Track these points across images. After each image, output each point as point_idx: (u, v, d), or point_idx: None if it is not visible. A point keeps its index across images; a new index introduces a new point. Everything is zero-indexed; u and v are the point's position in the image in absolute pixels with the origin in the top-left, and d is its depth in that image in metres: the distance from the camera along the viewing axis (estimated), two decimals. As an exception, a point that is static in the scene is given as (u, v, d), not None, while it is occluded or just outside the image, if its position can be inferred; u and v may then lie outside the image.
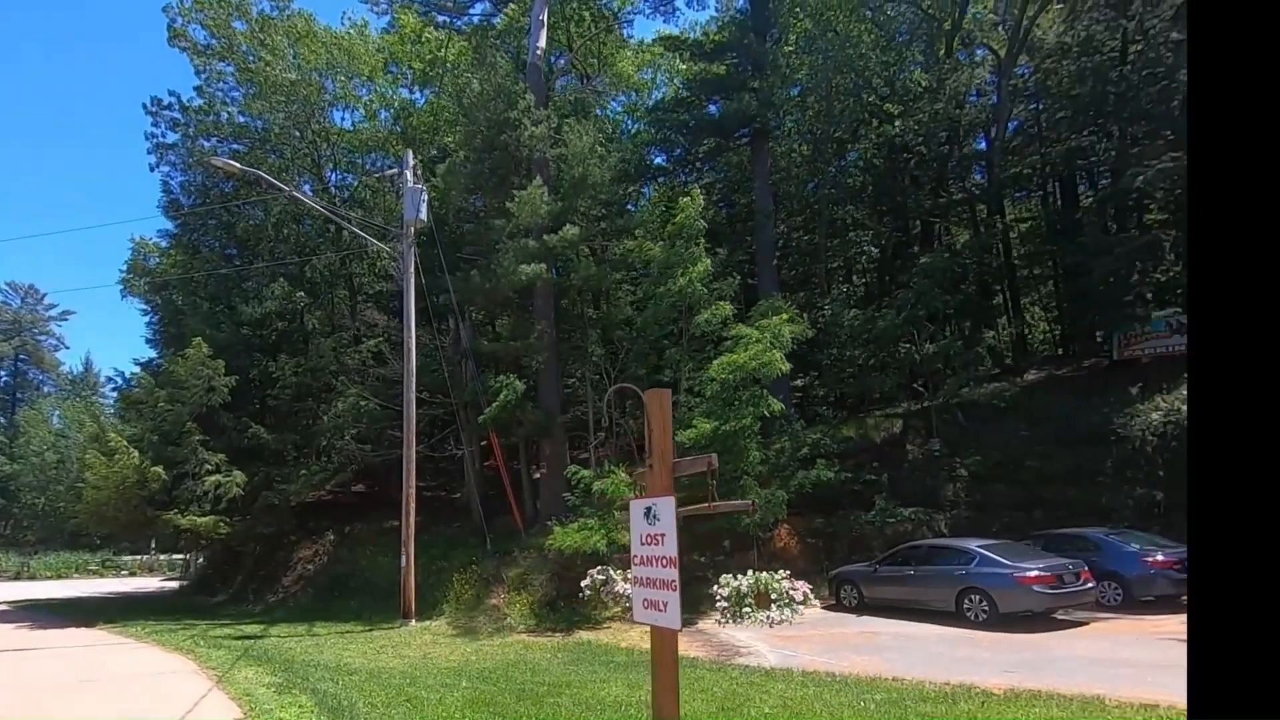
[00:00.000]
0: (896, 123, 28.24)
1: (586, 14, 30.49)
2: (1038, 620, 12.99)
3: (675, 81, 32.58)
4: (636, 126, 32.90)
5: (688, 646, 13.03)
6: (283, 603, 20.76)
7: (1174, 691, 7.98)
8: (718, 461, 5.35)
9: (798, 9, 28.91)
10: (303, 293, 23.42)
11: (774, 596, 4.78)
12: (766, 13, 27.06)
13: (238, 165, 18.14)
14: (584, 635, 14.26)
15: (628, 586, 6.20)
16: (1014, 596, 12.97)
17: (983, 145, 30.41)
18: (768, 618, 4.72)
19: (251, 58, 26.67)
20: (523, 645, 13.54)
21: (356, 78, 28.83)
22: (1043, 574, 12.94)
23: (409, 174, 18.38)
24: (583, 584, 6.96)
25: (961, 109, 28.40)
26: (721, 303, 19.09)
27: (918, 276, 22.61)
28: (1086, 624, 13.12)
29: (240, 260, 26.51)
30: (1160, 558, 14.17)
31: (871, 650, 11.49)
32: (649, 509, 5.15)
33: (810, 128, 29.50)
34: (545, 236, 19.98)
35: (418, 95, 30.04)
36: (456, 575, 17.08)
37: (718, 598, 5.12)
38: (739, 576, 5.24)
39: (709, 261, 19.38)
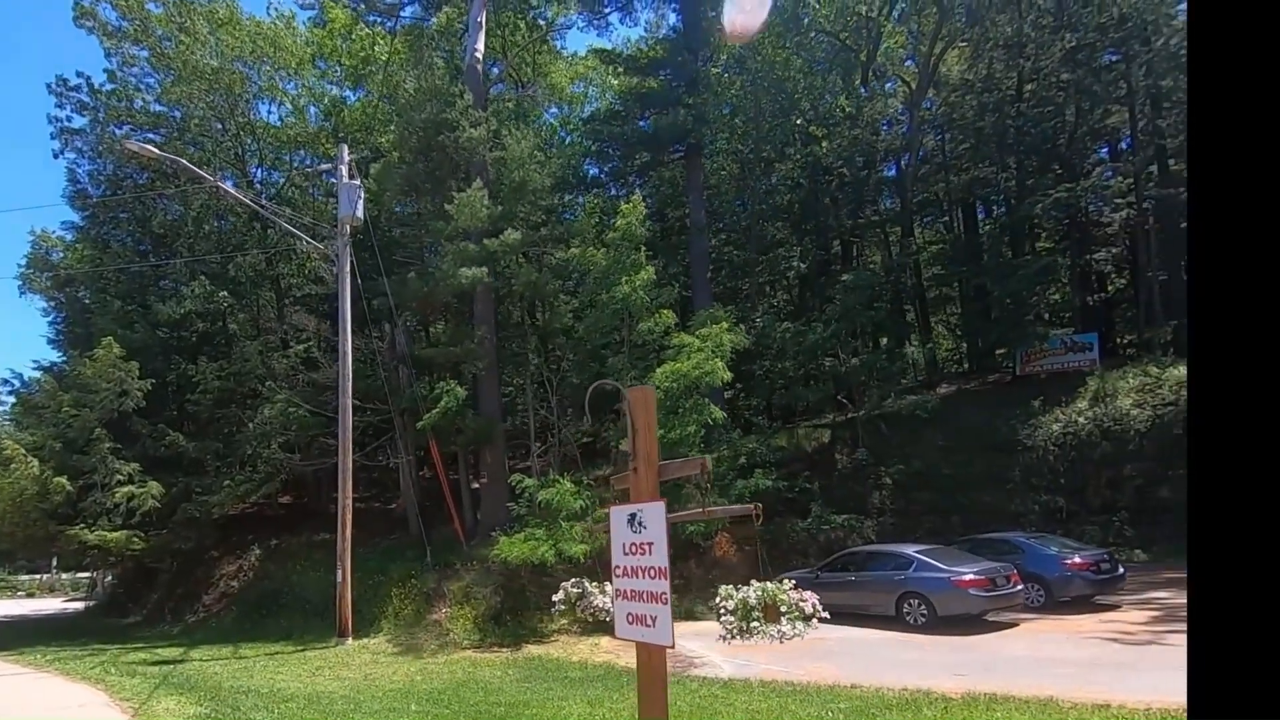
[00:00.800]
0: (822, 144, 28.92)
1: (521, 23, 29.94)
2: (972, 622, 13.24)
3: (608, 96, 32.48)
4: (570, 139, 32.59)
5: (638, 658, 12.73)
6: (204, 623, 19.20)
7: (1117, 690, 8.18)
8: (710, 464, 4.99)
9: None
10: (226, 292, 21.77)
11: (784, 610, 4.33)
12: (699, 32, 27.25)
13: (155, 150, 16.80)
14: (533, 650, 13.74)
15: (607, 600, 5.71)
16: (951, 600, 13.18)
17: (895, 171, 31.59)
18: (779, 633, 4.27)
19: (168, 42, 24.81)
20: (470, 662, 12.91)
21: (283, 70, 27.27)
22: (977, 577, 13.20)
23: (344, 169, 17.46)
24: (554, 598, 6.34)
25: (877, 136, 29.50)
26: (664, 311, 18.95)
27: (841, 293, 23.17)
28: (1016, 625, 13.44)
29: (156, 257, 24.52)
30: (1077, 560, 14.68)
31: (823, 656, 11.45)
32: (633, 516, 4.80)
33: (740, 145, 29.90)
34: (486, 240, 19.38)
35: (349, 94, 28.72)
36: (395, 590, 16.20)
37: (720, 611, 4.70)
38: (742, 588, 4.78)
39: (651, 269, 19.20)
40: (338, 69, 28.72)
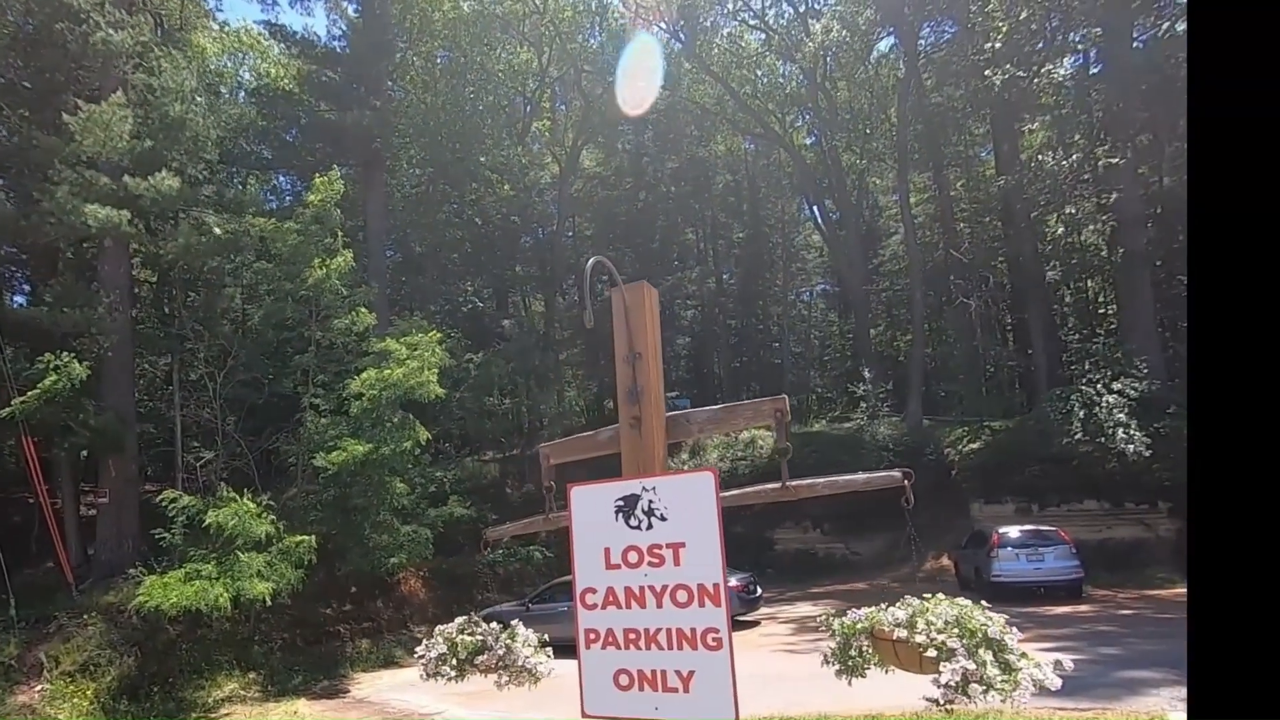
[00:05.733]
0: (502, 188, 28.73)
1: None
2: (674, 643, 13.40)
3: (261, 80, 27.22)
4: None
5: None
6: None
7: (853, 697, 8.10)
8: (788, 405, 3.27)
9: (410, 52, 27.64)
10: None
11: (1012, 655, 2.50)
12: (383, 41, 24.52)
13: None
14: (204, 730, 9.58)
15: (530, 650, 3.47)
16: (663, 625, 13.31)
17: (539, 237, 33.32)
18: (1031, 682, 2.44)
19: None
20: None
21: None
22: (679, 602, 13.64)
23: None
24: (423, 654, 3.58)
25: (534, 200, 30.85)
26: (362, 309, 16.02)
27: (511, 336, 23.57)
28: (705, 642, 14.06)
29: None
30: (734, 583, 16.30)
31: (574, 696, 10.29)
32: (632, 500, 2.94)
33: (420, 171, 27.93)
34: (129, 179, 14.06)
35: None
36: (-56, 664, 9.74)
37: (929, 649, 2.52)
38: (931, 600, 2.70)
39: (350, 255, 16.18)
40: None
